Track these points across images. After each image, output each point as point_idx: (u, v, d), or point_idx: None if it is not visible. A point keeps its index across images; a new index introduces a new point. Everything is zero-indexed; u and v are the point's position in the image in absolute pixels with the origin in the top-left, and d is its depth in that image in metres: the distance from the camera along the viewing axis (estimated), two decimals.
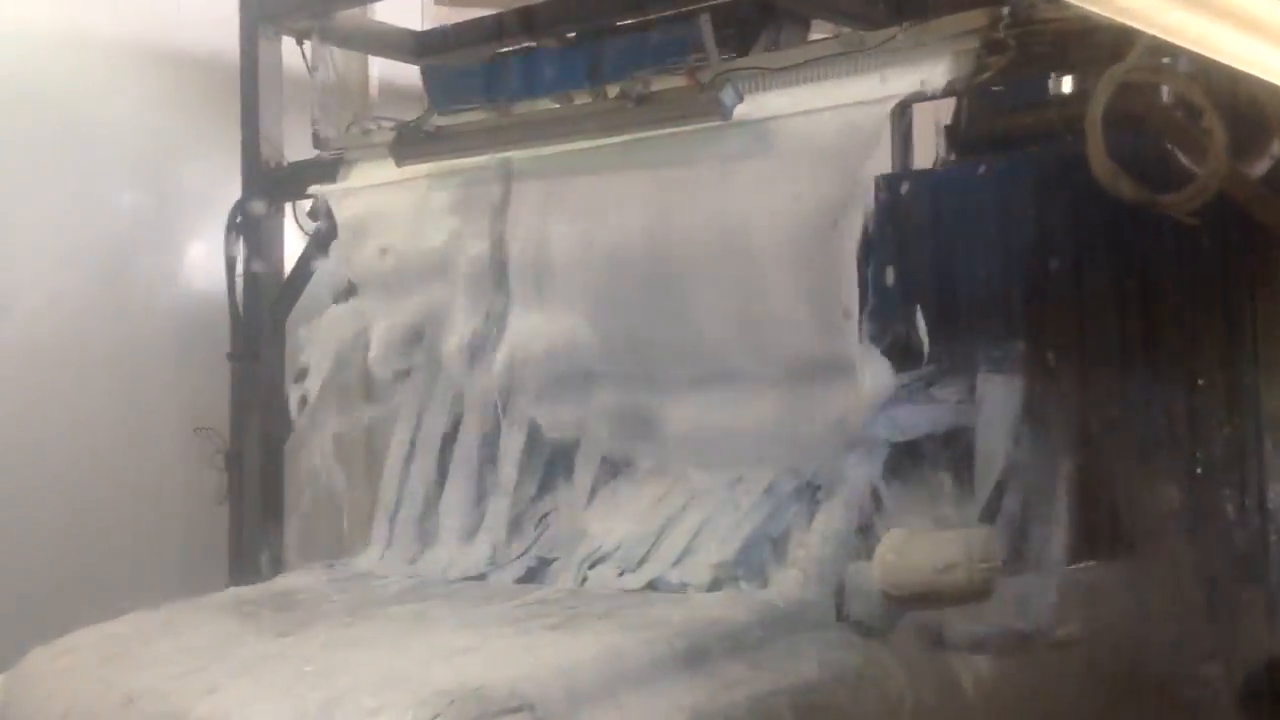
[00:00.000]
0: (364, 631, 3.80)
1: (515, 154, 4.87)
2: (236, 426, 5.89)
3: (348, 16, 5.99)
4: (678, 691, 3.34)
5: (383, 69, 6.70)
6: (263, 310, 5.89)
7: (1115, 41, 3.75)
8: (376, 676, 3.29)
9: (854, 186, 4.04)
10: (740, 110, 4.30)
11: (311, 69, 5.74)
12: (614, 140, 4.59)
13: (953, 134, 4.98)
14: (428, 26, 6.60)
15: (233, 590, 4.77)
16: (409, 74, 6.60)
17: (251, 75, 5.87)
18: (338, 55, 5.95)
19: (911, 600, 3.72)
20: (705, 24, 4.52)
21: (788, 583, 3.92)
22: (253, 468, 5.84)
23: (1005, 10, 3.96)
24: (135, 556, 5.91)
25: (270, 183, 5.86)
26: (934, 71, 4.08)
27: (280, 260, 5.95)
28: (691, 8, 5.38)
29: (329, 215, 5.56)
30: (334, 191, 5.53)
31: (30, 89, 5.87)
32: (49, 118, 5.94)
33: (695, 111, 4.37)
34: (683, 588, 4.04)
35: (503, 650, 3.52)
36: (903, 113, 4.15)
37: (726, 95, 4.29)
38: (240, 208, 5.88)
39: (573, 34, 5.86)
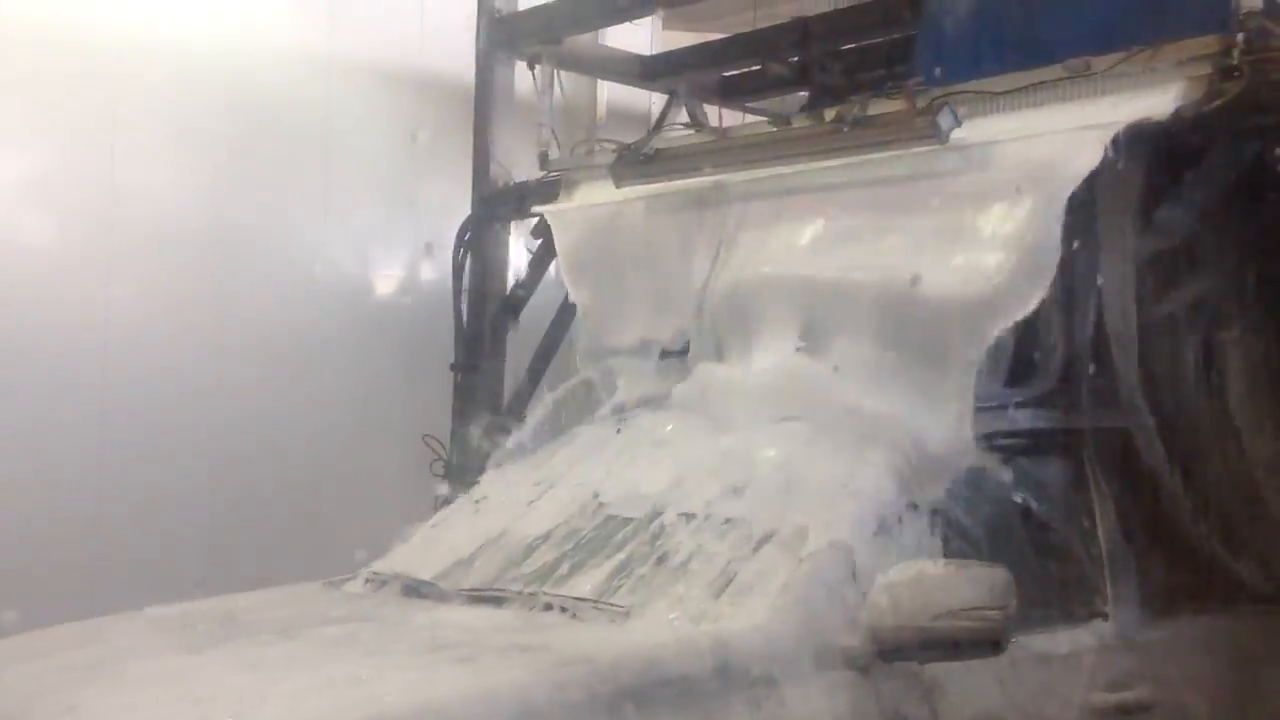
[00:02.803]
0: (275, 653, 3.33)
1: (732, 177, 4.90)
2: (456, 435, 6.09)
3: (578, 41, 6.17)
4: None
5: (611, 92, 6.85)
6: (485, 324, 6.08)
7: None
8: (242, 703, 2.95)
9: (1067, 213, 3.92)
10: (959, 134, 4.24)
11: (540, 92, 5.91)
12: (831, 163, 4.58)
13: None
14: (656, 51, 6.70)
15: (207, 601, 4.22)
16: (636, 98, 6.76)
17: (485, 98, 6.09)
18: (566, 79, 6.12)
19: (905, 650, 3.20)
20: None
21: (759, 618, 3.24)
22: (471, 477, 6.01)
23: (1240, 36, 3.80)
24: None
25: (497, 201, 6.05)
26: (1164, 98, 3.95)
27: (504, 276, 6.15)
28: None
29: (550, 234, 5.70)
30: (556, 211, 5.66)
31: (288, 109, 6.23)
32: (303, 137, 6.30)
33: (912, 135, 4.32)
34: (624, 613, 3.40)
35: (390, 684, 3.03)
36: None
37: (944, 118, 4.23)
38: (468, 224, 6.10)
39: (797, 58, 5.91)
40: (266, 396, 6.15)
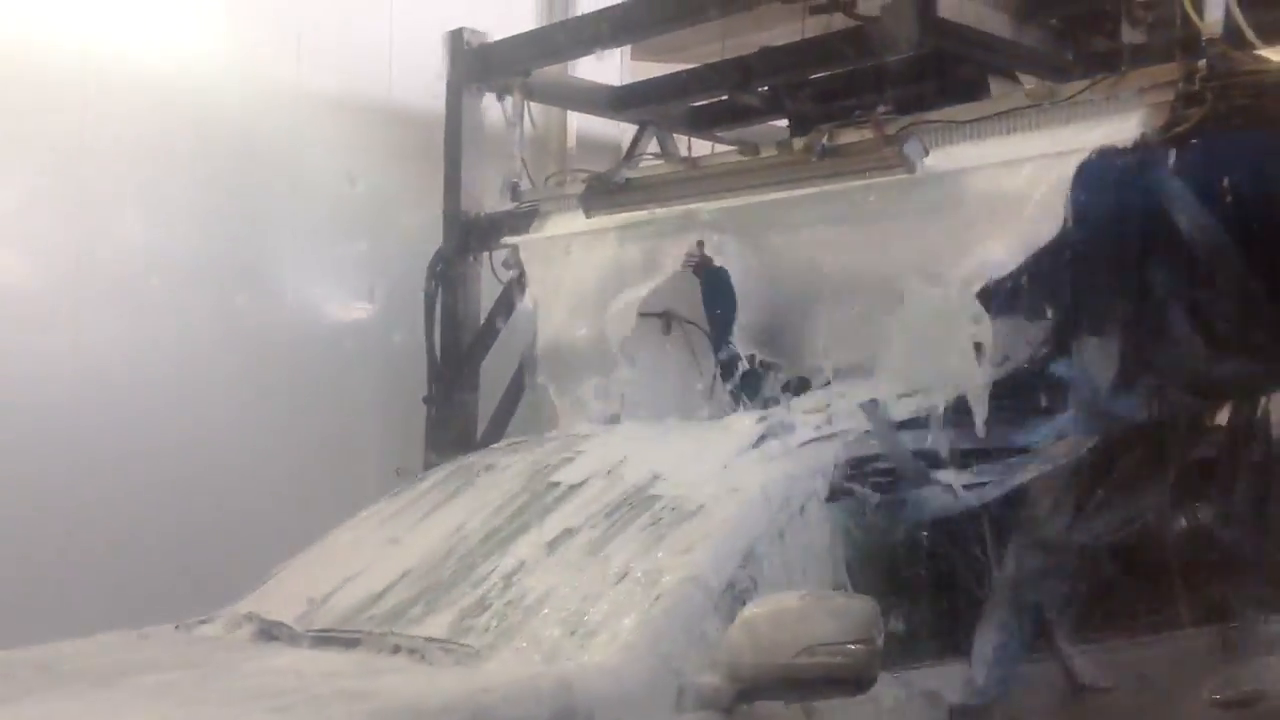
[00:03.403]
0: (79, 705, 3.12)
1: (702, 206, 4.92)
2: (429, 468, 6.06)
3: (547, 73, 6.19)
4: None
5: (581, 123, 6.87)
6: (458, 356, 6.07)
7: None
8: None
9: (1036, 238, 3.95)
10: (927, 163, 4.27)
11: (510, 123, 5.93)
12: (801, 192, 4.60)
13: None
14: (625, 81, 6.73)
15: (37, 647, 3.88)
16: (607, 128, 6.78)
17: (455, 130, 6.09)
18: (536, 110, 6.14)
19: (765, 689, 3.01)
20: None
21: (609, 658, 3.04)
22: None
23: (1202, 63, 3.85)
24: None
25: (469, 233, 6.05)
26: (1127, 124, 3.99)
27: (477, 308, 6.14)
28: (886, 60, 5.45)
29: (522, 265, 5.71)
30: (527, 242, 5.68)
31: (257, 141, 6.22)
32: (272, 169, 6.29)
33: (880, 164, 4.35)
34: (475, 653, 3.20)
35: None
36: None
37: (912, 148, 4.27)
38: (440, 257, 6.10)
39: (765, 88, 5.94)
40: (237, 430, 6.11)
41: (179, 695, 3.12)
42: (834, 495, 3.52)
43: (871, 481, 3.59)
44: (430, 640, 3.29)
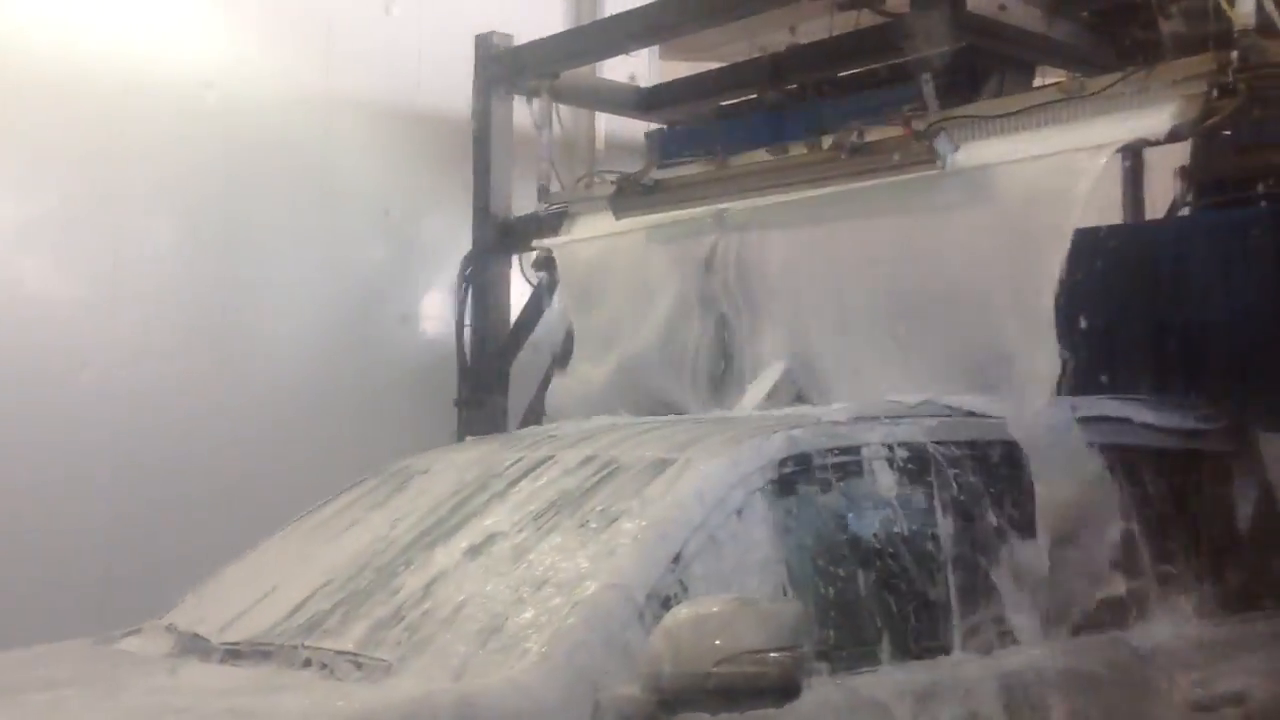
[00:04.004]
0: None
1: (731, 205, 4.91)
2: None
3: (576, 75, 6.19)
4: None
5: (609, 123, 6.87)
6: (488, 358, 6.08)
7: None
8: None
9: (1070, 233, 3.92)
10: (958, 158, 4.25)
11: (539, 126, 5.93)
12: (830, 190, 4.59)
13: (1189, 175, 4.79)
14: (654, 82, 6.72)
15: None
16: (636, 129, 6.78)
17: (484, 133, 6.10)
18: (565, 112, 6.14)
19: (687, 700, 2.83)
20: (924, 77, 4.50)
21: (520, 671, 2.86)
22: None
23: (1234, 54, 3.81)
24: None
25: (499, 235, 6.06)
26: (1159, 117, 3.96)
27: (506, 310, 6.15)
28: (914, 57, 5.42)
29: (553, 267, 5.72)
30: (558, 244, 5.68)
31: (288, 148, 6.25)
32: (303, 175, 6.32)
33: (910, 161, 4.33)
34: (385, 667, 3.02)
35: None
36: (1134, 158, 4.03)
37: (941, 144, 4.24)
38: (470, 259, 6.11)
39: (794, 86, 5.92)
40: (272, 436, 6.13)
41: (63, 714, 2.98)
42: (775, 493, 3.32)
43: (818, 479, 3.42)
44: (341, 654, 3.11)
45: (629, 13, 5.86)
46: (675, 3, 5.69)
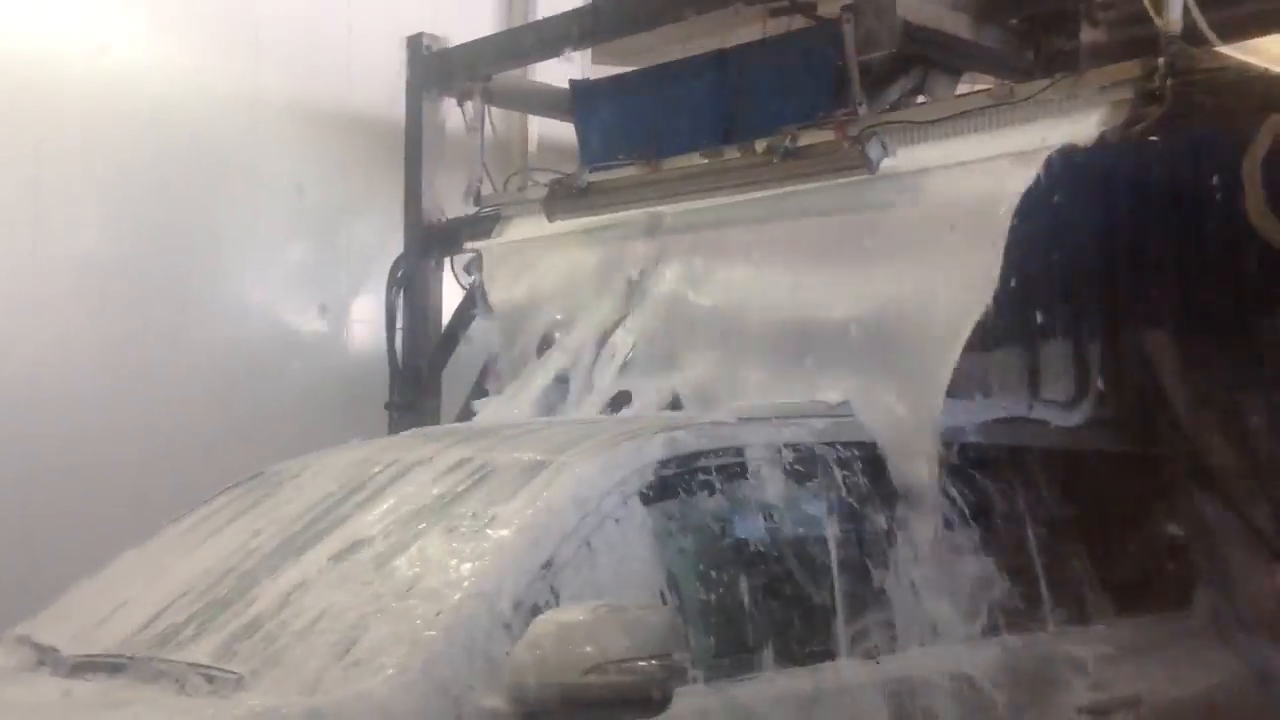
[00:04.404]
0: None
1: (664, 209, 4.91)
2: None
3: (507, 77, 6.16)
4: None
5: (542, 127, 6.84)
6: (421, 361, 6.03)
7: (1272, 92, 3.65)
8: None
9: (1000, 238, 3.95)
10: (889, 164, 4.27)
11: (470, 128, 5.89)
12: (762, 194, 4.60)
13: None
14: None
15: None
16: (568, 132, 6.75)
17: (415, 135, 6.05)
18: (497, 114, 6.11)
19: (551, 712, 2.73)
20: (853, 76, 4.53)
21: (373, 685, 2.74)
22: None
23: (1161, 61, 3.87)
24: None
25: (430, 238, 6.02)
26: (1087, 123, 4.00)
27: (439, 313, 6.11)
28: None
29: (484, 270, 5.68)
30: (487, 247, 5.64)
31: (215, 146, 6.17)
32: (231, 173, 6.25)
33: (842, 164, 4.35)
34: (237, 681, 2.86)
35: None
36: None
37: (873, 149, 4.27)
38: (401, 262, 6.06)
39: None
40: (196, 436, 6.05)
41: None
42: (655, 497, 3.23)
43: (700, 481, 3.34)
44: (193, 666, 2.97)
45: (564, 15, 5.84)
46: (610, 7, 5.69)
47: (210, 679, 2.90)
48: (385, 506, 3.39)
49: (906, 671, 3.44)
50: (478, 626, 2.85)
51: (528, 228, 5.52)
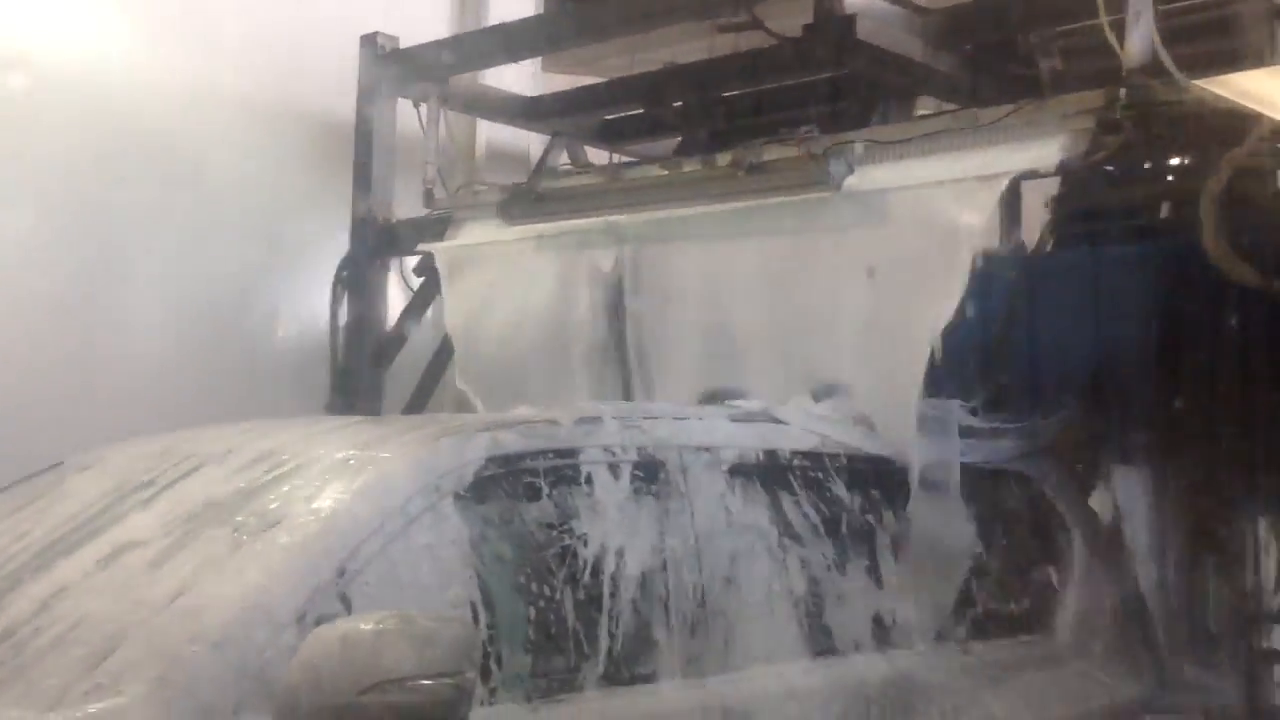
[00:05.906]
0: None
1: (625, 218, 4.93)
2: None
3: (462, 82, 6.15)
4: None
5: (490, 132, 6.84)
6: (362, 363, 5.98)
7: (1231, 125, 3.75)
8: None
9: (962, 261, 4.03)
10: (850, 182, 4.34)
11: (425, 130, 5.88)
12: (724, 207, 4.64)
13: (1060, 206, 4.96)
14: (536, 92, 6.72)
15: None
16: (515, 138, 6.77)
17: (366, 135, 6.02)
18: (449, 118, 6.09)
19: None
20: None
21: (119, 705, 2.46)
22: None
23: (1121, 91, 3.97)
24: None
25: (378, 239, 5.98)
26: (1047, 150, 4.09)
27: (383, 315, 6.06)
28: (801, 80, 5.54)
29: (434, 272, 5.66)
30: (441, 249, 5.63)
31: (162, 141, 6.06)
32: (177, 169, 6.14)
33: (805, 181, 4.41)
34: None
35: None
36: (1012, 188, 4.18)
37: (836, 166, 4.33)
38: (347, 262, 6.01)
39: (678, 103, 5.99)
40: (131, 434, 5.94)
41: None
42: (473, 500, 2.99)
43: (526, 485, 3.09)
44: None
45: (523, 21, 5.86)
46: (564, 15, 5.71)
47: None
48: (168, 504, 3.09)
49: (739, 693, 3.21)
50: (251, 641, 2.57)
51: (480, 231, 5.52)
